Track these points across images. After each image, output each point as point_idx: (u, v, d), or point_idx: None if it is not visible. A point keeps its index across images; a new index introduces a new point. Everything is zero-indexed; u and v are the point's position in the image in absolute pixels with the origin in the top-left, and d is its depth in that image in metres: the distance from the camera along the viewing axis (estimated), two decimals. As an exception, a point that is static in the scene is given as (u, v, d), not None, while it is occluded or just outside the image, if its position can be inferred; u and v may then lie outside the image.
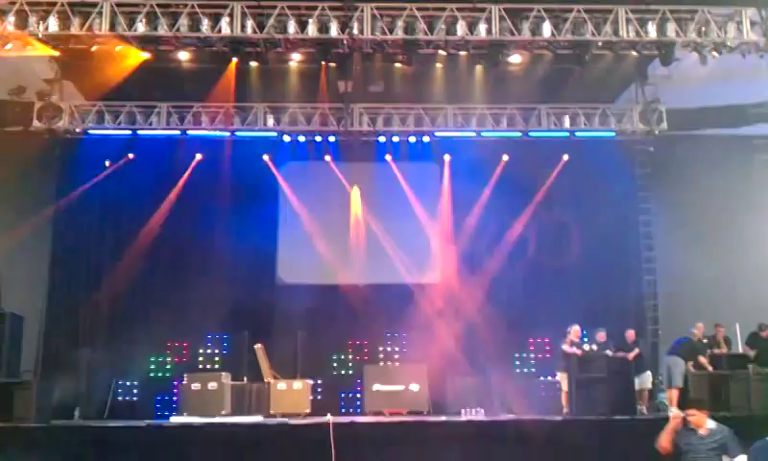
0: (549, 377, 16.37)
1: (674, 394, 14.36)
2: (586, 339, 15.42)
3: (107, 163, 17.68)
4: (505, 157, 18.35)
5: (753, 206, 17.69)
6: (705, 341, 15.08)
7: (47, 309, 17.28)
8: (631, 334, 15.29)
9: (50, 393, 14.14)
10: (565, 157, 18.22)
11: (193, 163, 18.03)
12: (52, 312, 17.26)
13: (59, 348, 16.74)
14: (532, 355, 18.09)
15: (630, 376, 14.44)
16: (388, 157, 18.43)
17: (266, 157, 18.30)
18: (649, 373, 15.38)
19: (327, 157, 18.37)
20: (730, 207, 17.74)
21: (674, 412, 13.62)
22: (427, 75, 16.55)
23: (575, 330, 14.83)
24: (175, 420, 14.76)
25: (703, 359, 14.73)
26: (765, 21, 14.44)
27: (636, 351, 15.05)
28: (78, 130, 17.18)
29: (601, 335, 14.98)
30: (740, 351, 15.34)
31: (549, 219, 17.82)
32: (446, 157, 18.58)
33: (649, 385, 15.34)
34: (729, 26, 14.63)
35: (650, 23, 14.60)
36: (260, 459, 12.19)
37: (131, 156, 17.80)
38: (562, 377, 14.92)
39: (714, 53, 14.98)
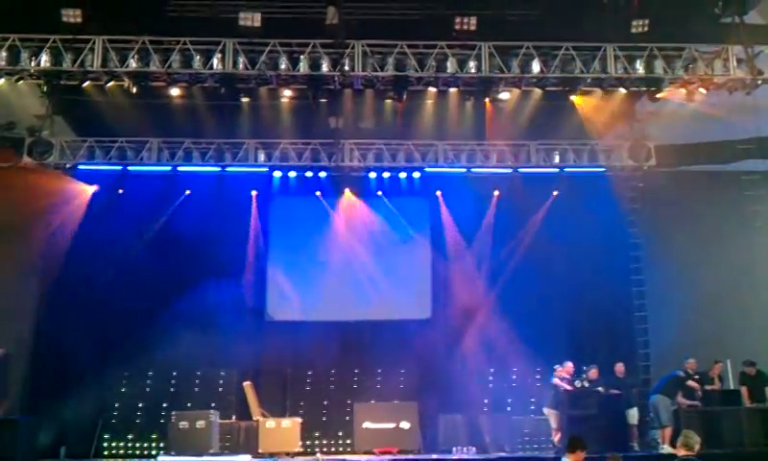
0: (541, 416, 16.18)
1: (666, 432, 14.24)
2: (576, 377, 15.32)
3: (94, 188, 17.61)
4: (496, 193, 18.40)
5: (740, 241, 17.73)
6: (696, 377, 14.93)
7: (34, 346, 17.04)
8: (620, 368, 15.19)
9: (36, 431, 13.94)
10: (555, 193, 18.26)
11: (182, 199, 17.97)
12: (39, 349, 17.01)
13: (45, 385, 16.48)
14: (523, 392, 17.94)
15: (622, 413, 14.37)
16: (379, 193, 18.44)
17: (254, 194, 18.29)
18: (635, 409, 15.23)
19: (318, 193, 18.36)
20: (718, 242, 17.78)
21: (666, 450, 13.58)
22: (418, 111, 16.63)
23: (567, 367, 14.76)
24: (162, 459, 14.56)
25: (692, 383, 14.55)
26: (751, 59, 14.64)
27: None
28: (68, 165, 17.11)
29: (593, 372, 14.91)
30: (731, 387, 15.24)
31: (539, 255, 17.77)
32: (438, 194, 18.60)
33: (635, 421, 15.19)
34: (716, 63, 14.88)
35: (638, 60, 14.79)
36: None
37: (120, 191, 17.74)
38: (549, 414, 14.81)
39: (701, 90, 15.18)
